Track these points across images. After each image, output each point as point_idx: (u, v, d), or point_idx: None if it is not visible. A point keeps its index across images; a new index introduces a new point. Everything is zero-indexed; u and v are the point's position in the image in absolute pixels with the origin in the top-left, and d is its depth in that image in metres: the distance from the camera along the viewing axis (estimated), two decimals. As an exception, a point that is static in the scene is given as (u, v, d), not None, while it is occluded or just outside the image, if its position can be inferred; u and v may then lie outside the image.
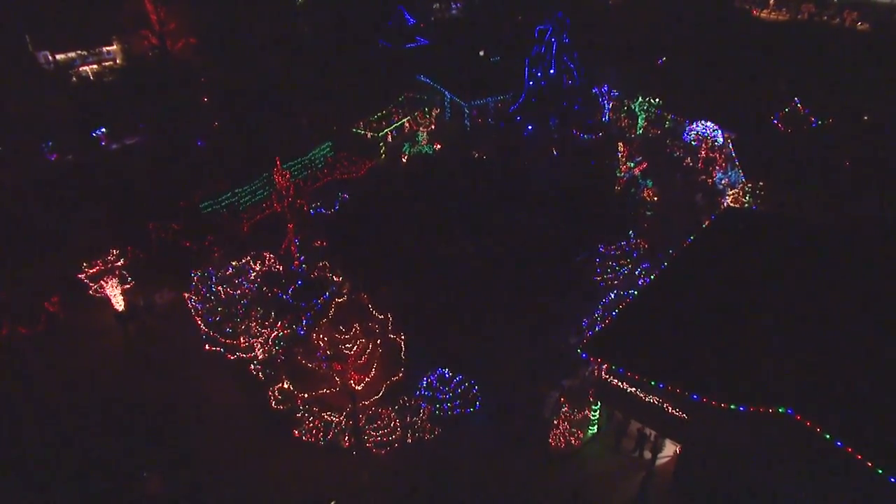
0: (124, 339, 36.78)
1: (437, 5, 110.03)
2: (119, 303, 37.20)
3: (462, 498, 26.68)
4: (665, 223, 44.31)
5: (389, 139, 59.67)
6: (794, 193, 42.55)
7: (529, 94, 57.54)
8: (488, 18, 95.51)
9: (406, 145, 56.93)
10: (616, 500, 26.49)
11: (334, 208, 46.89)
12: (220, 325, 32.84)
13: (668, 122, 59.27)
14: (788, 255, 29.28)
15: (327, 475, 27.81)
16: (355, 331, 28.81)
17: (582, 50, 57.94)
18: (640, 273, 36.88)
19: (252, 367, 32.59)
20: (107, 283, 36.49)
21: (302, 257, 40.17)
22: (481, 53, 79.66)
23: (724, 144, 51.94)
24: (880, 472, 19.07)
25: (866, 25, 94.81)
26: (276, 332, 32.34)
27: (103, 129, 60.14)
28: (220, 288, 33.38)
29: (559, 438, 28.48)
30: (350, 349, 28.20)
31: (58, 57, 75.13)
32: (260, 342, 32.33)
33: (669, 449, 28.18)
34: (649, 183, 47.66)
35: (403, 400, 29.52)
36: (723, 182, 48.75)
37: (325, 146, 54.31)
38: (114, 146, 60.05)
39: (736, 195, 44.24)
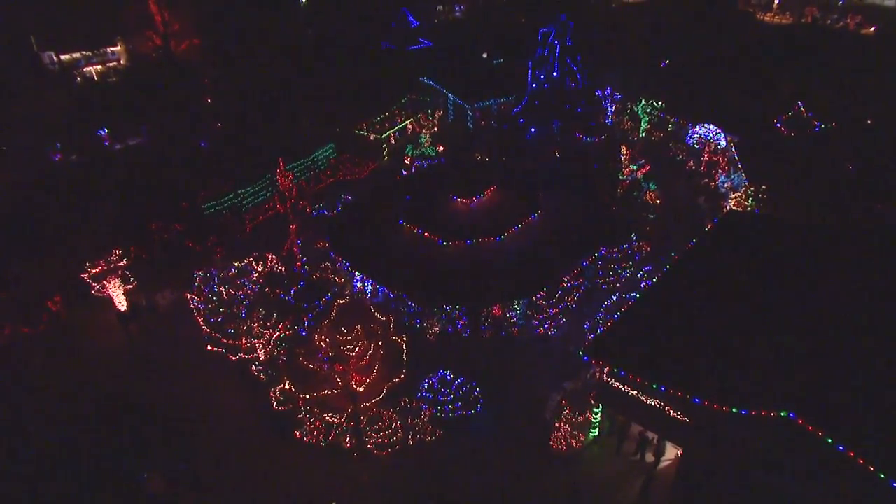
0: (126, 340, 36.83)
1: (440, 7, 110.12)
2: (121, 303, 37.26)
3: (463, 500, 26.65)
4: (667, 226, 44.29)
5: (392, 141, 59.73)
6: (797, 197, 42.47)
7: (532, 97, 57.56)
8: (492, 20, 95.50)
9: (409, 147, 56.99)
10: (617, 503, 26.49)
11: (337, 210, 46.96)
12: (222, 325, 32.86)
13: (670, 125, 59.23)
14: (791, 259, 29.24)
15: (328, 476, 27.84)
16: (357, 332, 28.80)
17: (585, 52, 57.94)
18: (642, 276, 36.87)
19: (254, 367, 32.65)
20: (109, 283, 36.57)
21: (304, 258, 40.25)
22: (484, 55, 79.66)
23: (727, 148, 51.87)
24: (882, 476, 19.01)
25: (870, 29, 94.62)
26: (277, 333, 32.39)
27: (106, 130, 60.27)
28: (222, 288, 33.41)
29: (560, 441, 28.46)
30: (352, 350, 28.20)
31: (62, 57, 75.42)
32: (262, 343, 32.39)
33: (671, 452, 28.13)
34: (652, 186, 47.62)
35: (405, 401, 29.55)
36: (725, 185, 48.68)
37: (327, 147, 54.42)
38: (117, 146, 60.17)
39: (739, 198, 44.16)
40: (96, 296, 37.01)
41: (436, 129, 60.34)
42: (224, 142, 56.81)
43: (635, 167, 48.82)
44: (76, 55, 76.44)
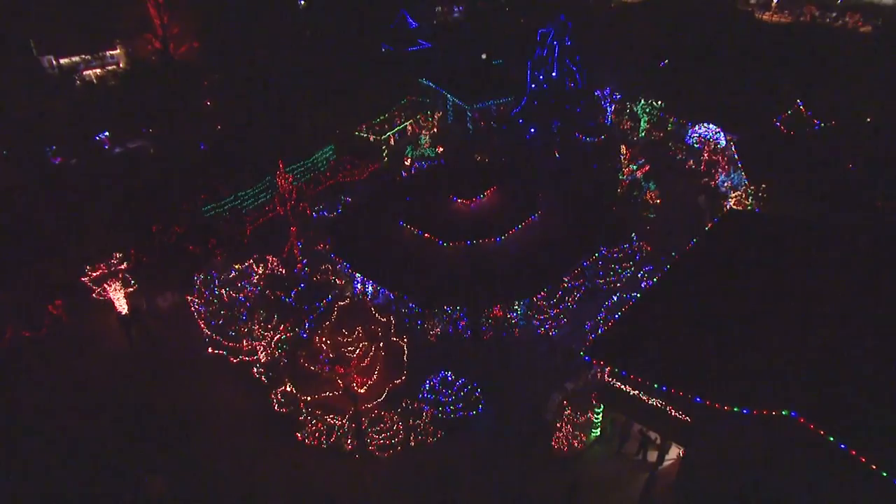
0: (127, 343, 36.81)
1: (439, 8, 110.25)
2: (122, 306, 37.26)
3: (465, 501, 26.64)
4: (668, 226, 44.29)
5: (392, 142, 59.76)
6: (797, 196, 42.46)
7: (531, 97, 57.55)
8: (490, 21, 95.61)
9: (409, 148, 57.02)
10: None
11: (337, 211, 46.97)
12: (223, 328, 32.89)
13: (670, 124, 59.26)
14: (791, 258, 29.22)
15: (330, 478, 27.82)
16: (358, 334, 28.82)
17: (584, 53, 57.95)
18: (642, 275, 36.87)
19: (255, 370, 32.66)
20: (110, 286, 36.56)
21: (304, 260, 40.26)
22: (483, 56, 79.74)
23: (727, 147, 51.90)
24: (885, 474, 18.98)
25: (869, 27, 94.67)
26: (278, 335, 32.39)
27: (106, 133, 60.32)
28: (222, 291, 33.45)
29: (562, 441, 28.44)
30: (353, 352, 28.21)
31: (62, 61, 75.52)
32: (262, 345, 32.39)
33: (672, 452, 28.10)
34: (652, 185, 47.63)
35: (406, 403, 29.53)
36: (725, 184, 48.68)
37: (327, 149, 54.43)
38: (117, 150, 60.22)
39: (739, 197, 44.16)
40: (97, 299, 37.03)
41: (435, 130, 60.40)
42: (224, 144, 56.84)
43: (635, 167, 48.86)
44: (76, 59, 76.57)
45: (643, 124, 59.86)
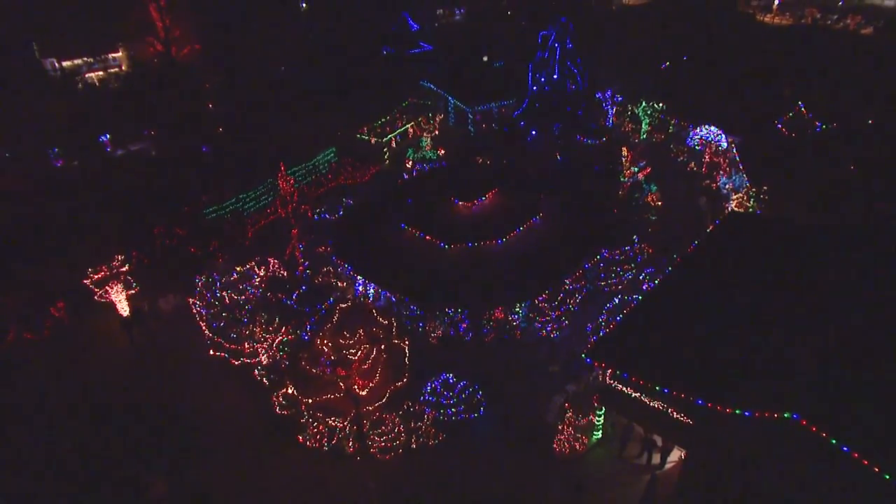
0: (129, 345, 36.86)
1: (440, 11, 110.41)
2: (124, 308, 37.32)
3: (466, 503, 26.63)
4: (669, 228, 44.27)
5: (393, 145, 59.82)
6: (798, 198, 42.45)
7: (533, 99, 57.61)
8: (492, 24, 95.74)
9: (410, 151, 57.07)
10: (621, 506, 26.48)
11: (338, 213, 47.01)
12: (225, 330, 32.92)
13: (671, 126, 59.28)
14: (792, 260, 29.21)
15: (331, 480, 27.81)
16: (359, 336, 28.84)
17: (585, 55, 58.01)
18: (644, 278, 36.83)
19: (256, 372, 32.66)
20: (112, 288, 36.62)
21: (306, 262, 40.28)
22: (485, 58, 79.84)
23: (728, 149, 51.87)
24: (887, 477, 18.95)
25: (870, 30, 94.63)
26: (280, 338, 32.41)
27: (108, 136, 60.45)
28: (224, 293, 33.49)
29: (563, 444, 28.41)
30: (354, 354, 28.23)
31: (64, 64, 75.73)
32: (264, 347, 32.40)
33: (674, 454, 28.07)
34: (653, 188, 47.63)
35: (407, 405, 29.51)
36: (727, 186, 48.64)
37: (329, 152, 54.50)
38: (119, 152, 60.35)
39: (740, 200, 44.14)
40: (99, 301, 37.06)
41: (437, 132, 60.46)
42: (225, 146, 56.94)
43: (636, 169, 48.85)
44: (78, 61, 76.86)
45: (644, 126, 59.87)
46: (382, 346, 29.72)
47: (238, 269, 34.96)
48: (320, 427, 28.98)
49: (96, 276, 36.65)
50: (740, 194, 44.94)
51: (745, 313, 26.20)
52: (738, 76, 64.33)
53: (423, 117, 61.38)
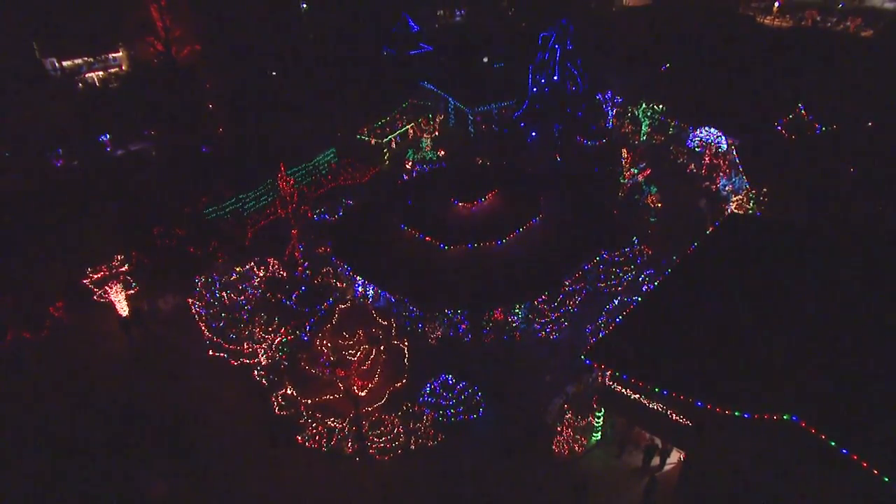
0: (128, 345, 36.86)
1: (441, 12, 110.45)
2: (123, 308, 37.31)
3: (465, 505, 26.67)
4: (669, 229, 44.28)
5: (393, 145, 59.84)
6: (798, 200, 42.45)
7: (533, 101, 57.65)
8: (492, 25, 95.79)
9: (410, 151, 57.08)
10: (620, 508, 26.46)
11: (338, 214, 47.01)
12: (224, 330, 32.91)
13: (671, 128, 59.29)
14: (792, 262, 29.20)
15: (330, 481, 27.80)
16: (359, 337, 28.82)
17: (585, 56, 58.04)
18: (643, 279, 36.85)
19: (255, 372, 32.65)
20: (111, 288, 36.62)
21: (306, 263, 40.28)
22: (485, 60, 79.88)
23: (728, 151, 51.88)
24: (886, 479, 18.94)
25: (870, 32, 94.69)
26: (279, 338, 32.40)
27: (108, 136, 60.47)
28: (223, 293, 33.47)
29: (562, 445, 28.41)
30: (353, 355, 28.21)
31: (64, 63, 75.75)
32: (263, 348, 32.39)
33: (673, 456, 28.07)
34: (653, 189, 47.65)
35: (407, 406, 29.52)
36: (726, 188, 48.68)
37: (329, 152, 54.52)
38: (119, 152, 60.37)
39: (740, 201, 44.16)
40: (98, 301, 37.05)
41: (437, 133, 60.46)
42: (225, 147, 56.96)
43: (636, 170, 48.86)
44: (78, 61, 76.84)
45: (644, 128, 59.89)
46: (382, 347, 29.69)
47: (237, 269, 34.94)
48: (319, 427, 28.96)
49: (96, 276, 36.64)
50: (740, 196, 44.96)
51: (745, 315, 26.19)
52: (739, 78, 64.34)
53: (423, 118, 61.40)
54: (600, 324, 33.54)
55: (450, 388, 30.35)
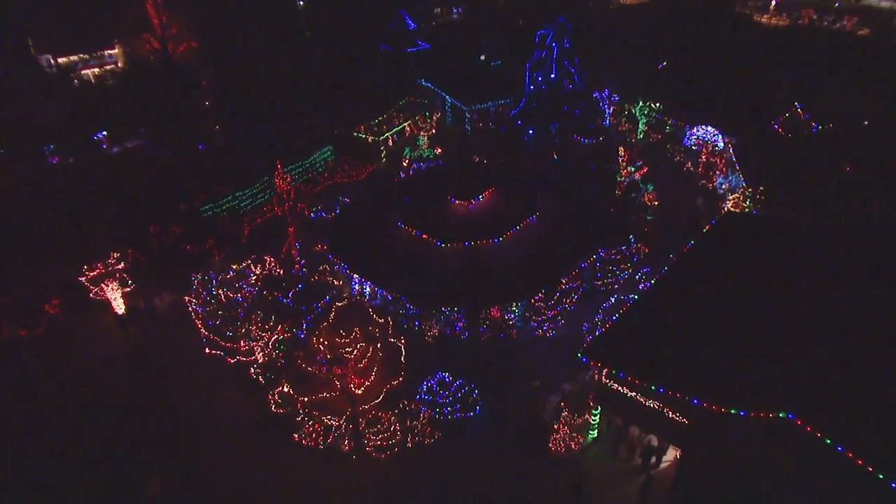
0: (124, 343, 36.78)
1: (438, 10, 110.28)
2: (119, 306, 37.20)
3: (461, 502, 26.64)
4: (665, 228, 44.34)
5: (390, 143, 59.77)
6: (794, 198, 42.54)
7: (530, 99, 57.64)
8: (489, 23, 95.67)
9: (407, 149, 57.02)
10: (616, 505, 26.53)
11: (335, 212, 46.96)
12: (221, 328, 32.84)
13: (668, 126, 59.31)
14: (788, 260, 29.28)
15: (327, 479, 27.80)
16: (355, 335, 28.78)
17: (583, 54, 58.02)
18: (640, 277, 36.92)
19: (252, 370, 32.61)
20: (107, 285, 36.49)
21: (302, 261, 40.23)
22: (482, 58, 79.81)
23: (725, 149, 51.96)
24: (881, 476, 19.03)
25: (867, 31, 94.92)
26: (276, 336, 32.36)
27: (104, 133, 60.25)
28: (220, 291, 33.40)
29: (559, 443, 28.46)
30: (350, 353, 28.18)
31: (60, 60, 75.42)
32: (260, 346, 32.36)
33: (669, 454, 28.13)
34: (650, 187, 47.68)
35: (403, 404, 29.53)
36: (723, 187, 48.76)
37: (325, 150, 54.43)
38: (115, 149, 60.18)
39: (736, 200, 44.23)
40: (94, 299, 36.93)
41: (434, 131, 60.43)
42: (222, 144, 56.80)
43: (633, 169, 48.85)
44: (74, 58, 76.47)
45: (641, 126, 59.91)
46: (379, 345, 29.67)
47: (234, 267, 34.85)
48: (316, 426, 28.96)
49: (92, 274, 36.52)
50: (737, 194, 45.04)
51: (741, 313, 26.27)
52: (735, 77, 64.42)
53: (421, 116, 61.37)
54: (597, 322, 33.58)
55: (447, 386, 30.37)
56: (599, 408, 28.64)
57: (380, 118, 60.03)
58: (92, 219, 44.98)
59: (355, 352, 28.29)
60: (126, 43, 77.49)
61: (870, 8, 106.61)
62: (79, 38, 75.10)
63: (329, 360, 27.97)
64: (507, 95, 62.74)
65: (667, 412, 25.19)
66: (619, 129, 61.04)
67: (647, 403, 25.80)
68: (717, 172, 50.61)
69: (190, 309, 33.75)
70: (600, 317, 33.82)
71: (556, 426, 28.60)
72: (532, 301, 34.92)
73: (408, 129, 61.83)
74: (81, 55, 76.86)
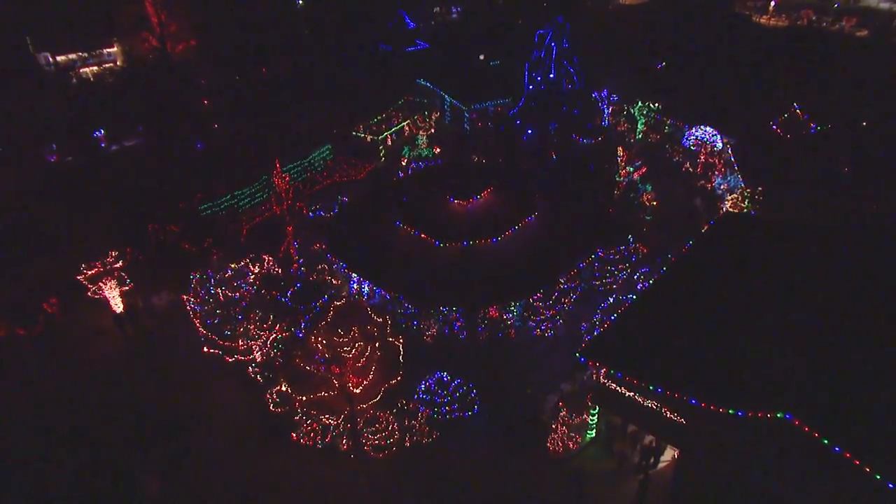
0: (122, 341, 36.71)
1: (437, 9, 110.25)
2: (118, 305, 37.14)
3: (460, 502, 26.64)
4: (664, 228, 44.36)
5: (389, 143, 59.73)
6: (792, 198, 42.62)
7: (529, 99, 57.64)
8: (489, 22, 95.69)
9: (406, 149, 57.01)
10: (614, 505, 26.54)
11: (333, 211, 46.94)
12: (219, 327, 32.84)
13: (667, 127, 59.34)
14: (787, 260, 29.30)
15: (325, 478, 27.78)
16: (354, 334, 28.79)
17: (582, 54, 58.04)
18: (638, 277, 36.92)
19: (250, 369, 32.59)
20: (105, 284, 36.42)
21: (301, 260, 40.21)
22: (481, 57, 79.80)
23: (724, 149, 52.01)
24: (878, 477, 19.05)
25: (865, 32, 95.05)
26: (274, 335, 32.35)
27: (103, 131, 60.18)
28: (218, 290, 33.40)
29: (557, 443, 28.46)
30: (348, 352, 28.18)
31: (58, 59, 75.32)
32: (258, 345, 32.34)
33: (667, 454, 28.15)
34: (648, 188, 47.73)
35: (401, 403, 29.51)
36: (722, 187, 48.81)
37: (324, 149, 54.41)
38: (113, 148, 60.10)
39: (735, 200, 44.29)
40: (92, 297, 36.86)
41: (432, 130, 60.38)
42: (221, 143, 56.75)
43: (632, 169, 48.94)
44: (72, 56, 76.35)
45: (640, 126, 59.93)
46: (377, 344, 29.68)
47: (232, 266, 34.85)
48: (314, 425, 28.94)
49: (90, 273, 36.45)
50: (735, 195, 45.10)
51: (739, 313, 26.28)
52: (734, 77, 64.49)
53: (419, 115, 61.30)
54: (595, 322, 33.59)
55: (445, 385, 30.35)
56: (597, 407, 28.65)
57: (379, 117, 60.01)
58: (90, 217, 44.92)
59: (353, 351, 28.30)
60: (125, 41, 77.38)
61: (869, 8, 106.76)
62: (78, 37, 74.99)
63: (327, 360, 27.97)
64: (506, 95, 62.76)
65: (665, 412, 25.20)
66: (618, 129, 61.07)
67: (645, 403, 25.82)
68: (716, 172, 50.66)
69: (188, 308, 33.73)
70: (598, 317, 33.82)
71: (554, 426, 28.60)
72: (530, 301, 34.91)
73: (406, 128, 61.81)
74: (80, 53, 76.73)
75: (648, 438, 28.46)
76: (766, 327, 25.01)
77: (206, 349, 33.34)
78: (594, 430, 29.32)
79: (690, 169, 53.60)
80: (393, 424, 28.77)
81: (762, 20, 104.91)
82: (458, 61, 73.22)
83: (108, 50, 78.73)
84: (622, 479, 27.44)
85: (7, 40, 69.29)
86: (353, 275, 37.93)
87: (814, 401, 21.31)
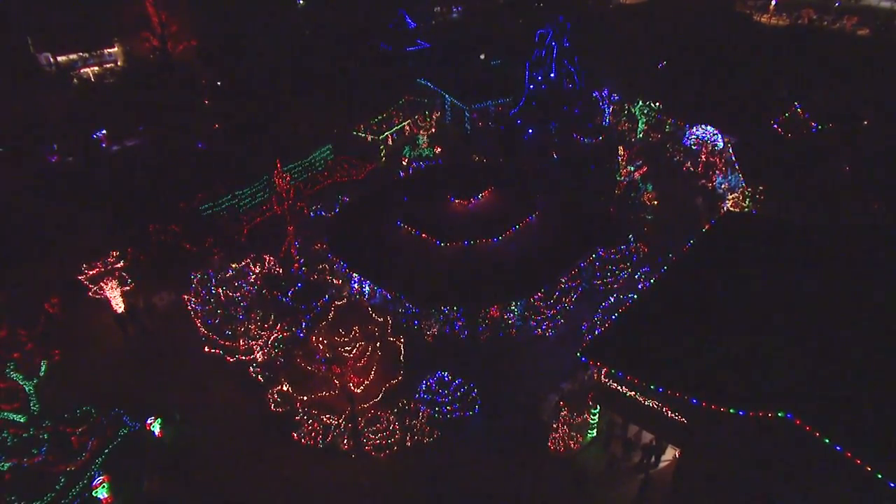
0: (124, 341, 36.74)
1: (438, 9, 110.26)
2: (119, 304, 37.19)
3: (461, 501, 26.65)
4: (665, 227, 44.34)
5: (390, 142, 59.74)
6: (793, 198, 42.57)
7: (530, 98, 57.64)
8: (489, 22, 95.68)
9: (406, 148, 57.02)
10: (615, 504, 26.54)
11: (334, 211, 46.96)
12: (220, 327, 32.87)
13: (668, 126, 59.28)
14: (788, 259, 29.29)
15: (326, 478, 27.80)
16: (354, 333, 28.79)
17: (582, 54, 58.02)
18: (639, 277, 36.91)
19: (251, 369, 32.63)
20: (106, 284, 36.48)
21: (302, 260, 40.23)
22: (482, 57, 79.77)
23: (725, 149, 51.97)
24: (879, 476, 19.04)
25: (866, 30, 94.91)
26: (275, 335, 32.37)
27: (104, 131, 60.22)
28: (219, 290, 33.42)
29: (558, 442, 28.46)
30: (349, 352, 28.19)
31: (59, 59, 75.36)
32: (259, 344, 32.36)
33: (668, 453, 28.15)
34: (649, 187, 47.71)
35: (402, 403, 29.53)
36: (723, 186, 48.77)
37: (325, 149, 54.44)
38: (114, 148, 60.14)
39: (736, 199, 44.26)
40: (93, 297, 36.90)
41: (433, 130, 60.36)
42: (221, 143, 56.78)
43: (633, 168, 48.86)
44: (73, 56, 76.38)
45: (641, 126, 59.87)
46: (378, 344, 29.69)
47: (233, 265, 34.88)
48: (315, 424, 28.96)
49: (91, 272, 36.50)
50: (736, 194, 45.07)
51: (740, 312, 26.27)
52: (735, 76, 64.42)
53: (420, 115, 61.29)
54: (596, 321, 33.58)
55: (446, 385, 30.39)
56: (598, 407, 28.65)
57: (379, 117, 60.02)
58: (91, 217, 44.92)
59: (354, 351, 28.31)
60: (126, 41, 77.44)
61: (870, 8, 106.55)
62: (78, 37, 75.00)
63: (328, 359, 27.99)
64: (506, 94, 62.72)
65: (666, 411, 25.21)
66: (619, 128, 61.01)
67: (645, 403, 25.83)
68: (717, 172, 50.61)
69: (189, 308, 33.77)
70: (599, 316, 33.80)
71: (555, 425, 28.60)
72: (531, 300, 34.91)
73: (407, 128, 61.82)
74: (81, 53, 76.75)
75: (648, 438, 28.45)
76: (767, 327, 25.00)
77: (207, 349, 33.37)
78: (595, 430, 29.31)
79: (691, 168, 53.56)
80: (394, 424, 28.80)
81: (763, 19, 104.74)
82: (459, 61, 73.17)
83: (109, 50, 78.76)
84: (623, 479, 27.44)
85: (9, 40, 69.30)
86: (354, 274, 37.95)
87: (815, 400, 21.31)
